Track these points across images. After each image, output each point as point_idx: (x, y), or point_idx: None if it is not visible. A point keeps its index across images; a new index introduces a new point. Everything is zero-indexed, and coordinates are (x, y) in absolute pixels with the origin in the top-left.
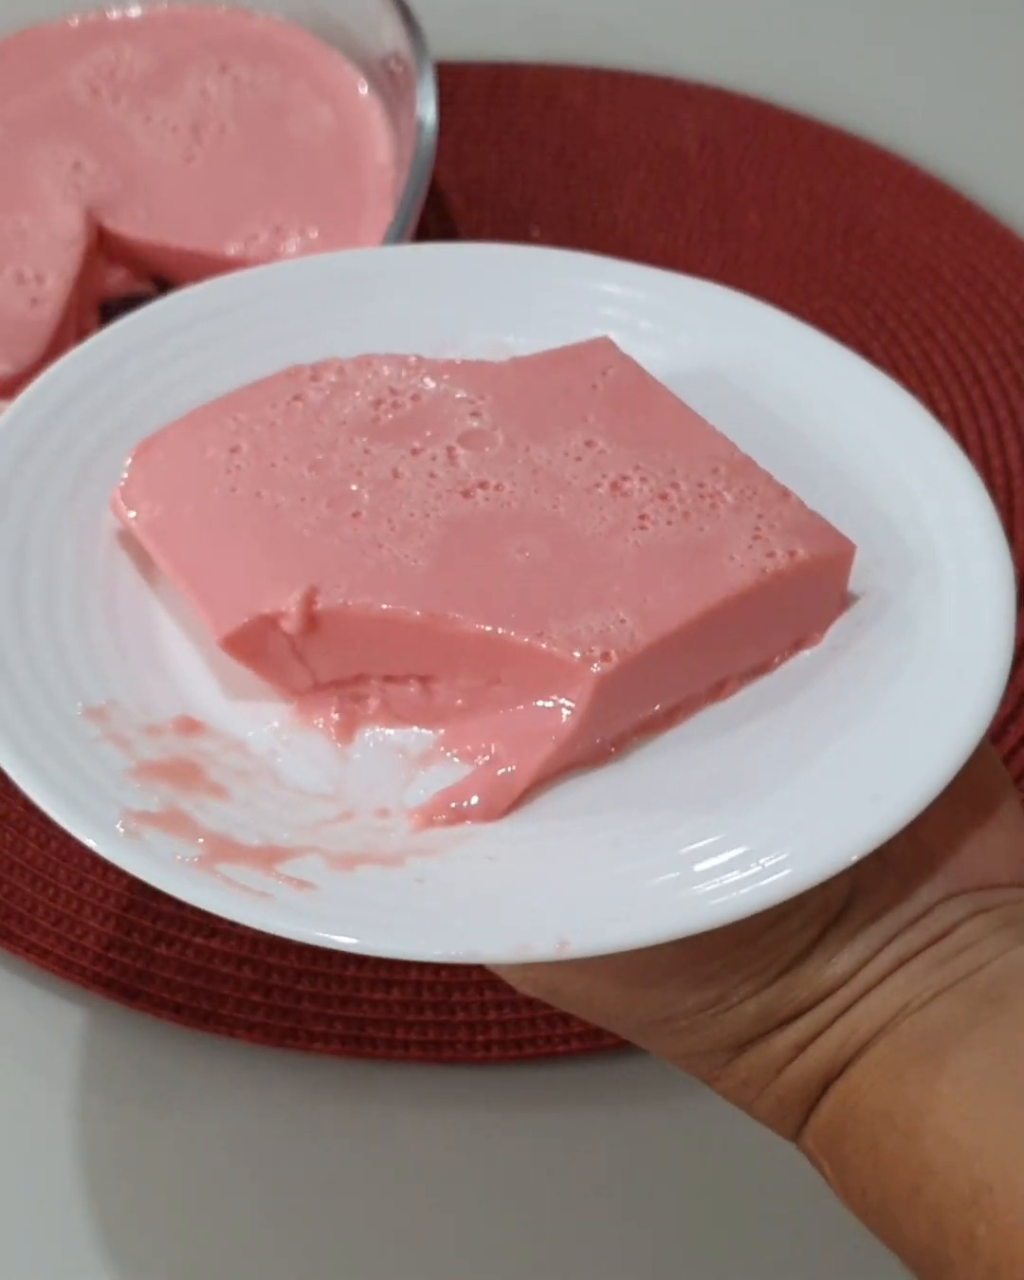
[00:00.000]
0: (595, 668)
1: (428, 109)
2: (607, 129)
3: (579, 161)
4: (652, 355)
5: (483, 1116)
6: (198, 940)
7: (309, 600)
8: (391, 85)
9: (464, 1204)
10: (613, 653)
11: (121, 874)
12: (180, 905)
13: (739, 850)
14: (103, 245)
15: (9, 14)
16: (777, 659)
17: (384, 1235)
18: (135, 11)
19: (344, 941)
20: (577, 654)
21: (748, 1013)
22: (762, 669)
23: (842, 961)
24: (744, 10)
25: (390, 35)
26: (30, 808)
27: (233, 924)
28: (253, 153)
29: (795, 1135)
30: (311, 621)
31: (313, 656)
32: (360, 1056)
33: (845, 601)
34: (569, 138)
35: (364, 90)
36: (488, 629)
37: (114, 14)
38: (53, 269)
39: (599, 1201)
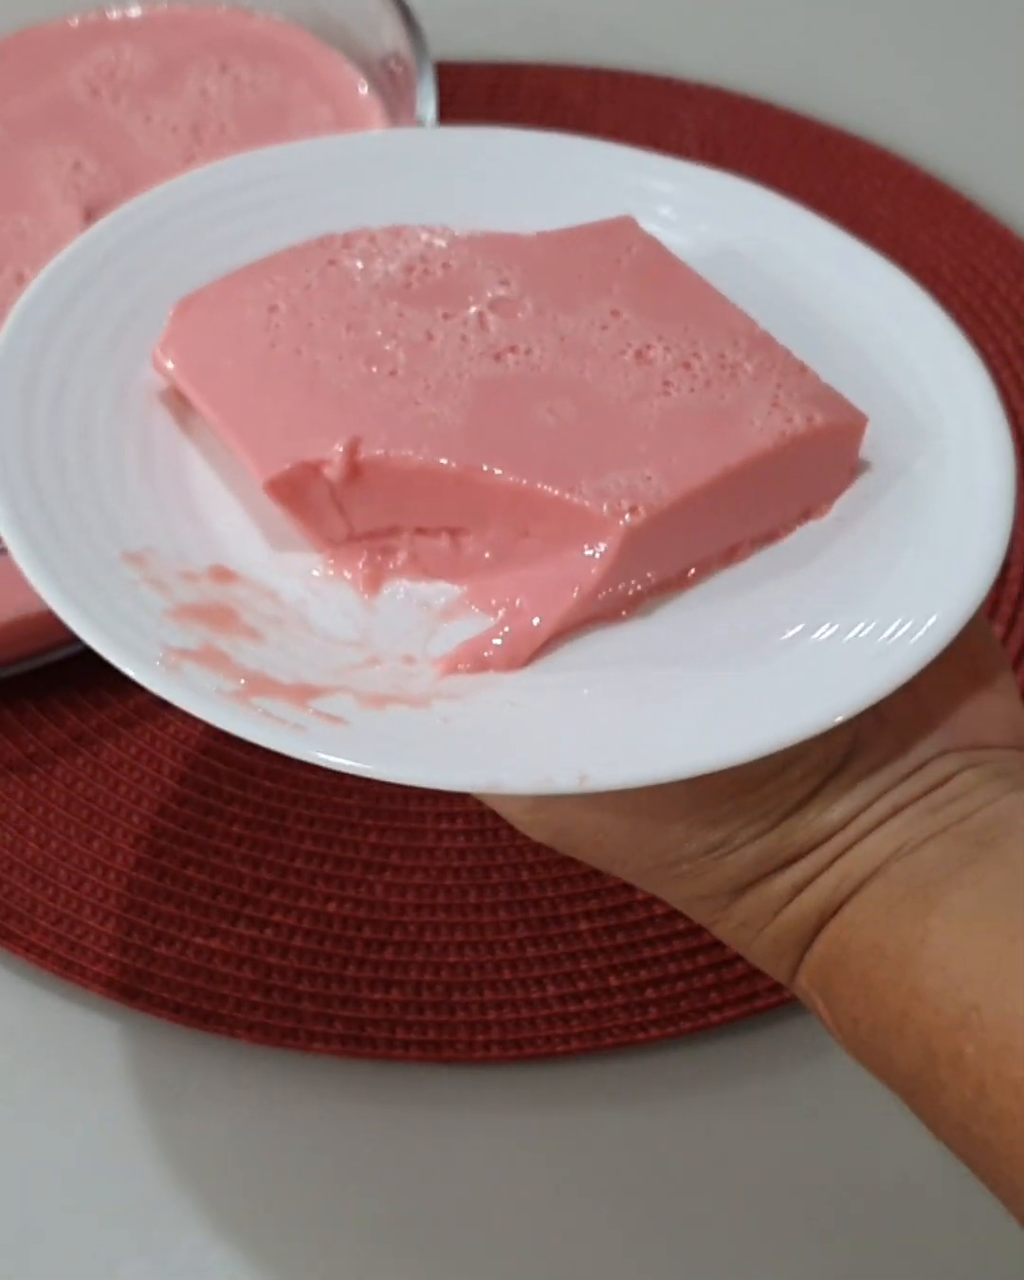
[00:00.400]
0: (624, 520)
1: (428, 109)
2: (607, 129)
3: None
4: (672, 240)
5: (483, 1116)
6: (198, 940)
7: (352, 449)
8: (392, 85)
9: (464, 1204)
10: (640, 507)
11: (122, 874)
12: (179, 904)
13: (749, 700)
14: None
15: (9, 14)
16: (785, 528)
17: (384, 1235)
18: (135, 11)
19: (374, 769)
20: (605, 507)
21: (749, 856)
22: (771, 537)
23: (839, 809)
24: (744, 10)
25: (390, 35)
26: (29, 807)
27: (232, 924)
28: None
29: (791, 976)
30: (354, 470)
31: (351, 505)
32: (360, 1056)
33: (854, 473)
34: None
35: (364, 90)
36: (520, 482)
37: (114, 14)
38: None
39: (599, 1201)
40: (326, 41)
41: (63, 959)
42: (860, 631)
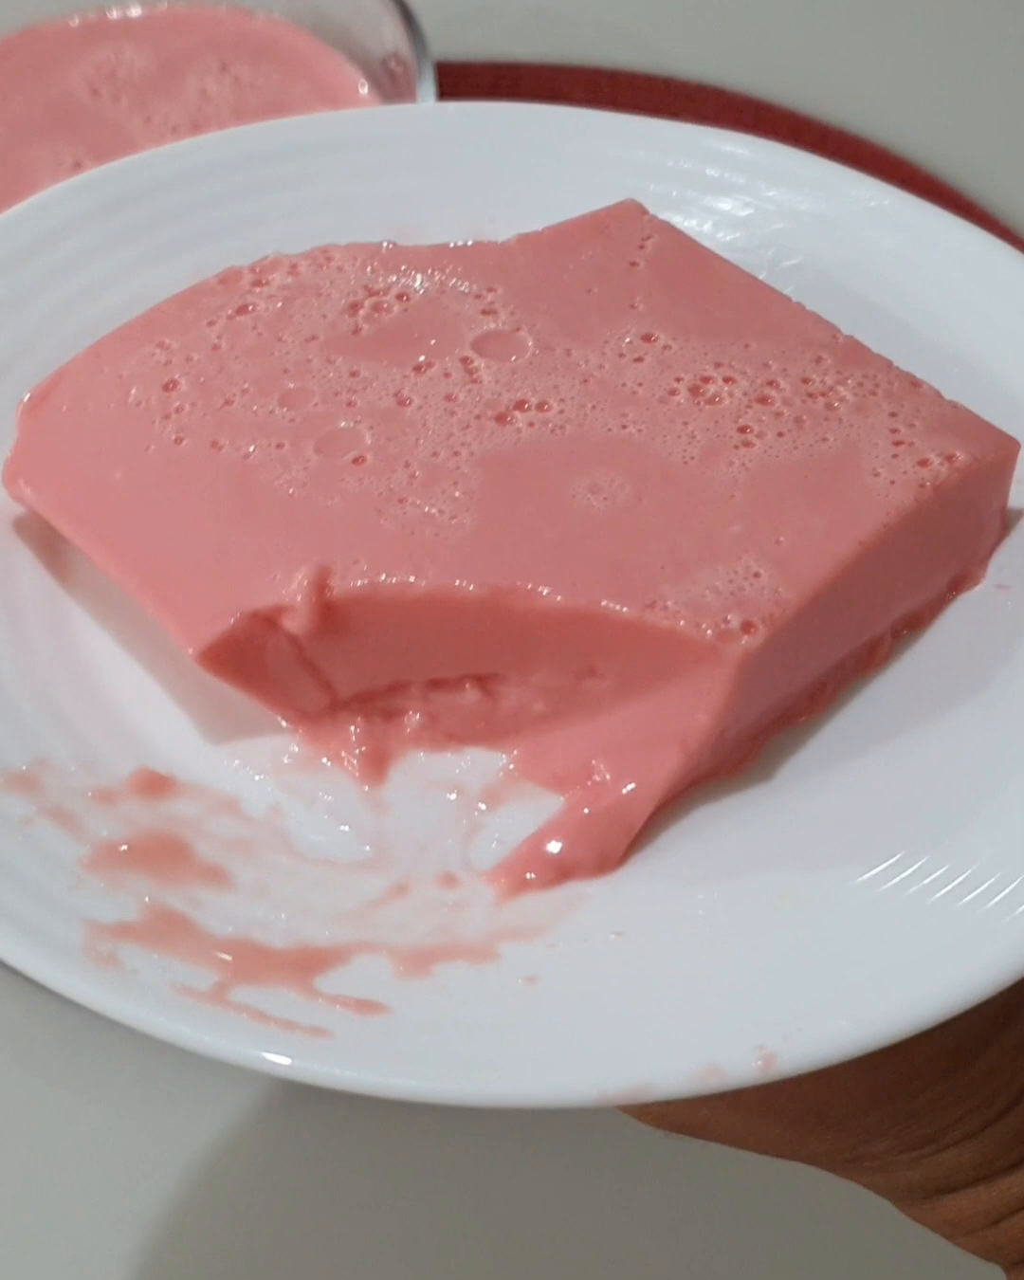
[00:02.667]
0: (739, 644)
1: None
2: None
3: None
4: (685, 227)
5: (482, 1117)
6: None
7: (319, 585)
8: (392, 85)
9: (464, 1205)
10: (756, 622)
11: None
12: None
13: (968, 884)
14: None
15: (9, 14)
16: (933, 608)
17: (384, 1237)
18: (135, 11)
19: (443, 1092)
20: (706, 628)
21: (966, 1157)
22: (916, 622)
23: None
24: (744, 10)
25: (391, 35)
26: None
27: None
28: None
29: (1010, 1268)
30: (326, 614)
31: (329, 663)
32: None
33: (1006, 521)
34: None
35: (364, 90)
36: (575, 603)
37: (114, 14)
38: None
39: (599, 1202)
40: (327, 41)
41: None
42: None
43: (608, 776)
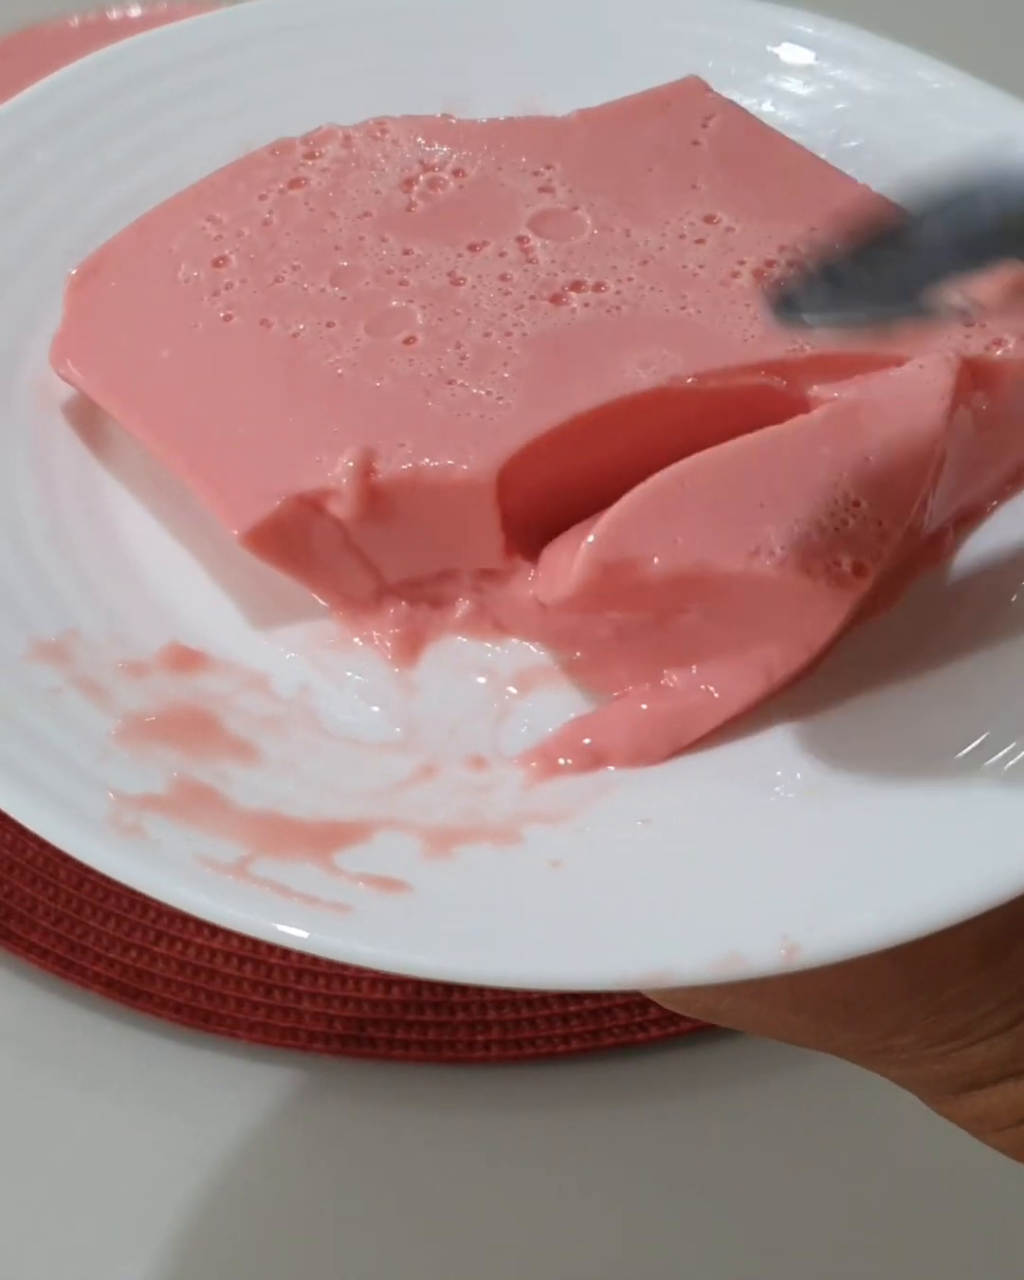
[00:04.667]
0: (855, 588)
1: None
2: None
3: None
4: (745, 105)
5: (483, 1117)
6: (198, 940)
7: (364, 468)
8: None
9: (464, 1204)
10: (866, 562)
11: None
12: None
13: (1004, 782)
14: None
15: (10, 13)
16: (993, 498)
17: (384, 1235)
18: (136, 11)
19: (466, 969)
20: (819, 578)
21: (996, 1052)
22: (977, 514)
23: None
24: None
25: None
26: None
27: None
28: None
29: None
30: (371, 499)
31: (375, 549)
32: (360, 1056)
33: None
34: None
35: None
36: (679, 563)
37: (115, 14)
38: None
39: (599, 1201)
40: None
41: (63, 959)
42: None
43: (675, 684)
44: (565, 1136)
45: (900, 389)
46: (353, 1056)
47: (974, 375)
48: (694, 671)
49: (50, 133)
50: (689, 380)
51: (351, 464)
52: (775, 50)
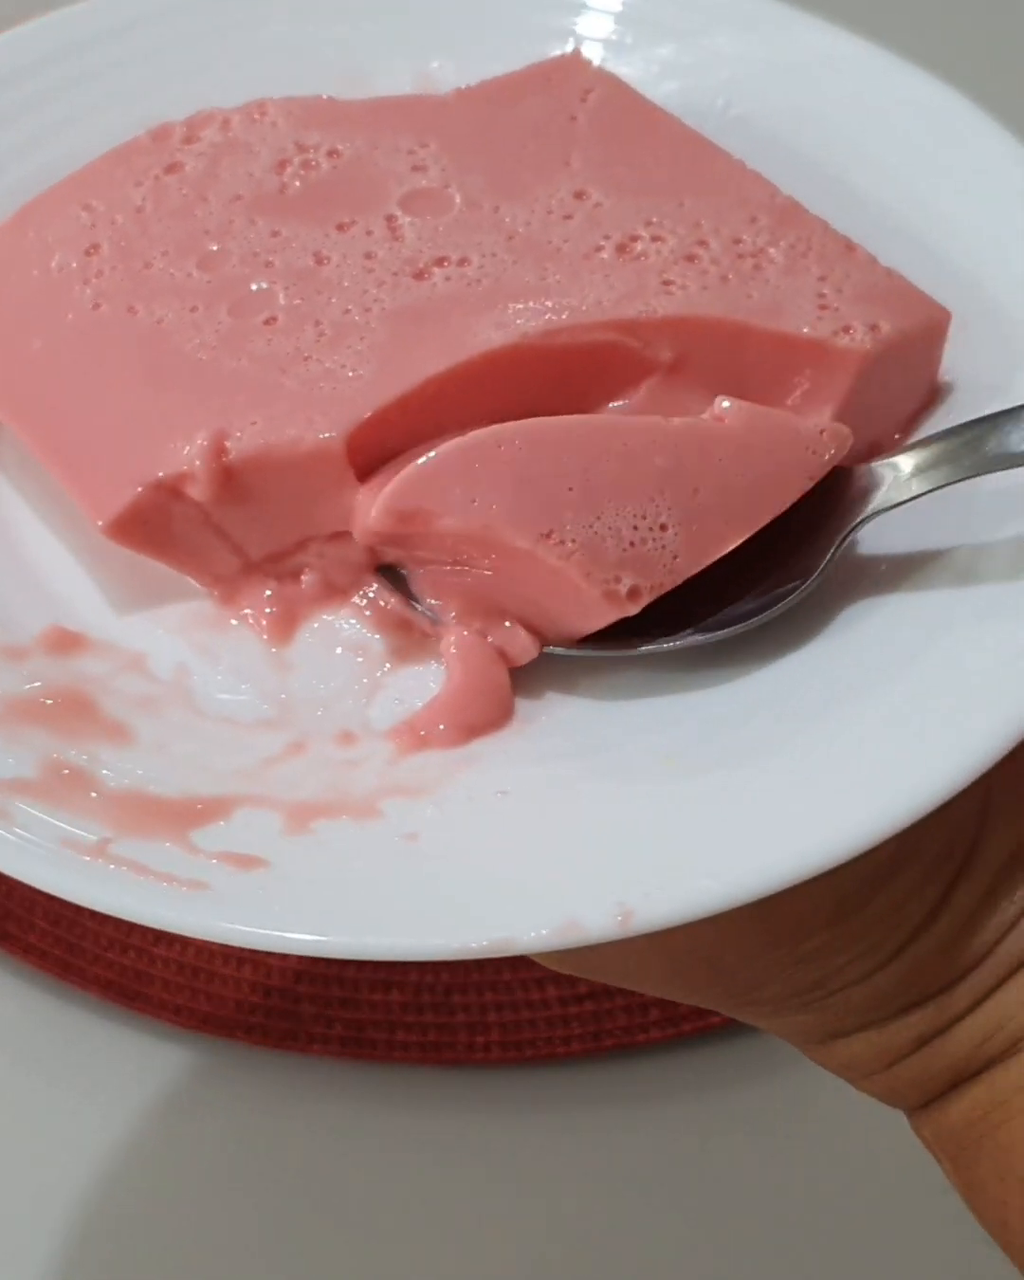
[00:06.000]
0: (623, 587)
1: None
2: None
3: None
4: (626, 75)
5: (482, 1117)
6: (197, 942)
7: (216, 449)
8: None
9: (463, 1204)
10: (642, 588)
11: None
12: None
13: (833, 771)
14: None
15: (9, 13)
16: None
17: (384, 1235)
18: None
19: (312, 942)
20: (598, 582)
21: (854, 1001)
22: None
23: (979, 930)
24: None
25: None
26: None
27: None
28: None
29: (909, 1113)
30: (225, 478)
31: (236, 527)
32: (360, 1057)
33: (936, 391)
34: None
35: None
36: (468, 525)
37: None
38: None
39: (598, 1202)
40: None
41: (62, 959)
42: (975, 640)
43: (517, 621)
44: (565, 1138)
45: (776, 444)
46: (352, 1058)
47: (815, 359)
48: (526, 596)
49: None
50: (539, 338)
51: (204, 445)
52: (662, 15)
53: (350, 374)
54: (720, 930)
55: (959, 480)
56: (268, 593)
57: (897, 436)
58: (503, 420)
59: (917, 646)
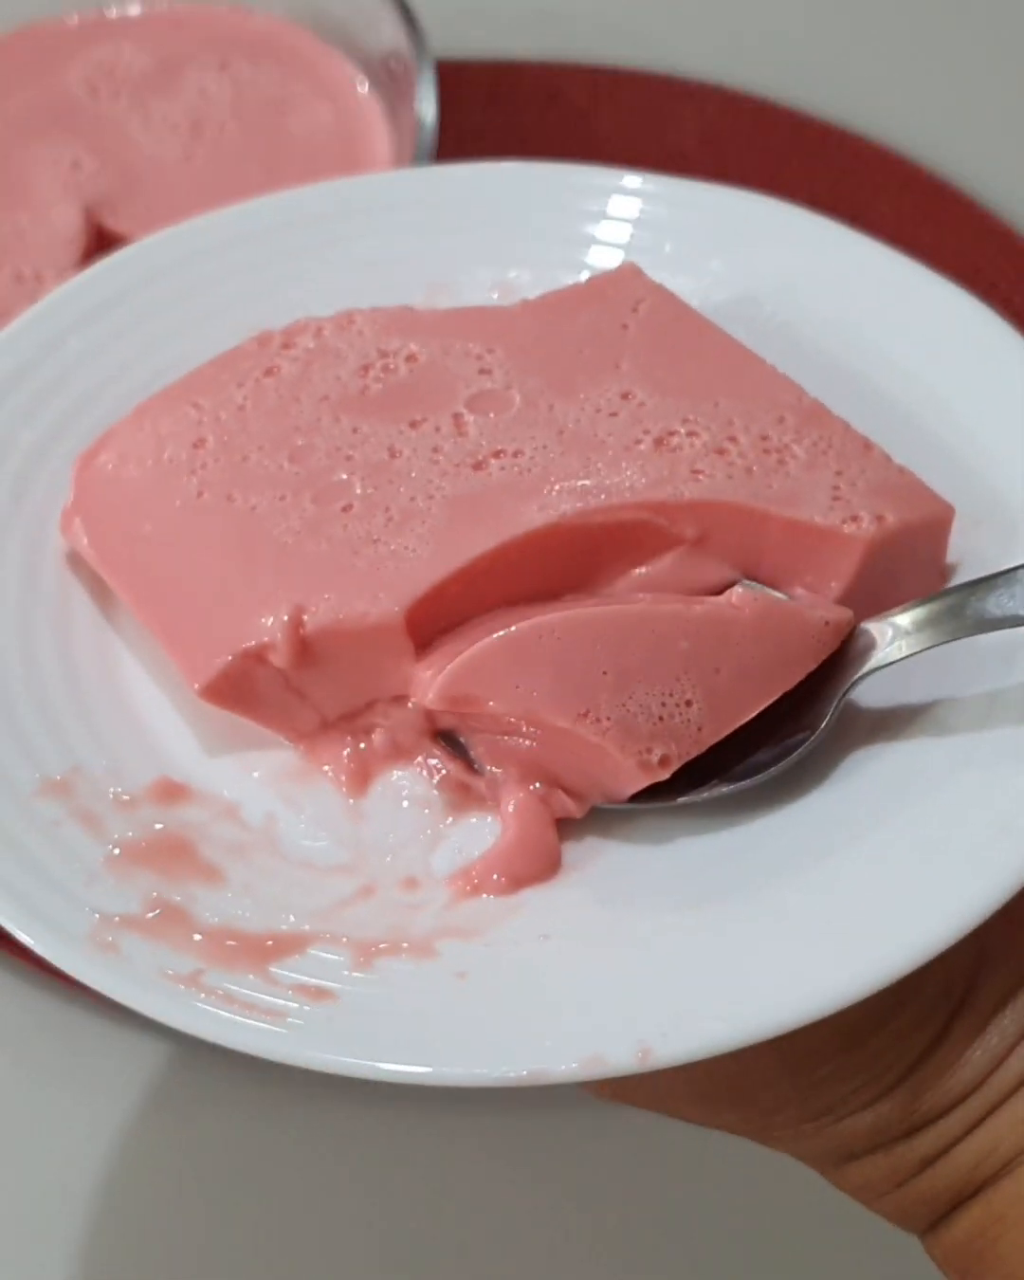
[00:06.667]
0: (656, 756)
1: (428, 107)
2: (607, 128)
3: (580, 161)
4: (680, 285)
5: (482, 1117)
6: None
7: (294, 623)
8: (392, 83)
9: (463, 1205)
10: (671, 755)
11: None
12: None
13: (839, 921)
14: (102, 244)
15: (8, 12)
16: None
17: (384, 1237)
18: (134, 9)
19: (372, 1069)
20: (634, 753)
21: (861, 1126)
22: None
23: (973, 1062)
24: (745, 9)
25: (390, 33)
26: None
27: None
28: (252, 151)
29: (921, 1234)
30: (302, 649)
31: (313, 689)
32: None
33: (944, 575)
34: (570, 136)
35: (364, 89)
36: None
37: (113, 12)
38: (51, 268)
39: (598, 1204)
40: (326, 39)
41: None
42: (971, 802)
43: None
44: (565, 1138)
45: (787, 632)
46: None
47: (825, 544)
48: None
49: (76, 328)
50: (577, 517)
51: (284, 619)
52: (715, 231)
53: (412, 553)
54: (739, 1061)
55: (947, 641)
56: (346, 750)
57: None
58: (546, 590)
59: (914, 800)
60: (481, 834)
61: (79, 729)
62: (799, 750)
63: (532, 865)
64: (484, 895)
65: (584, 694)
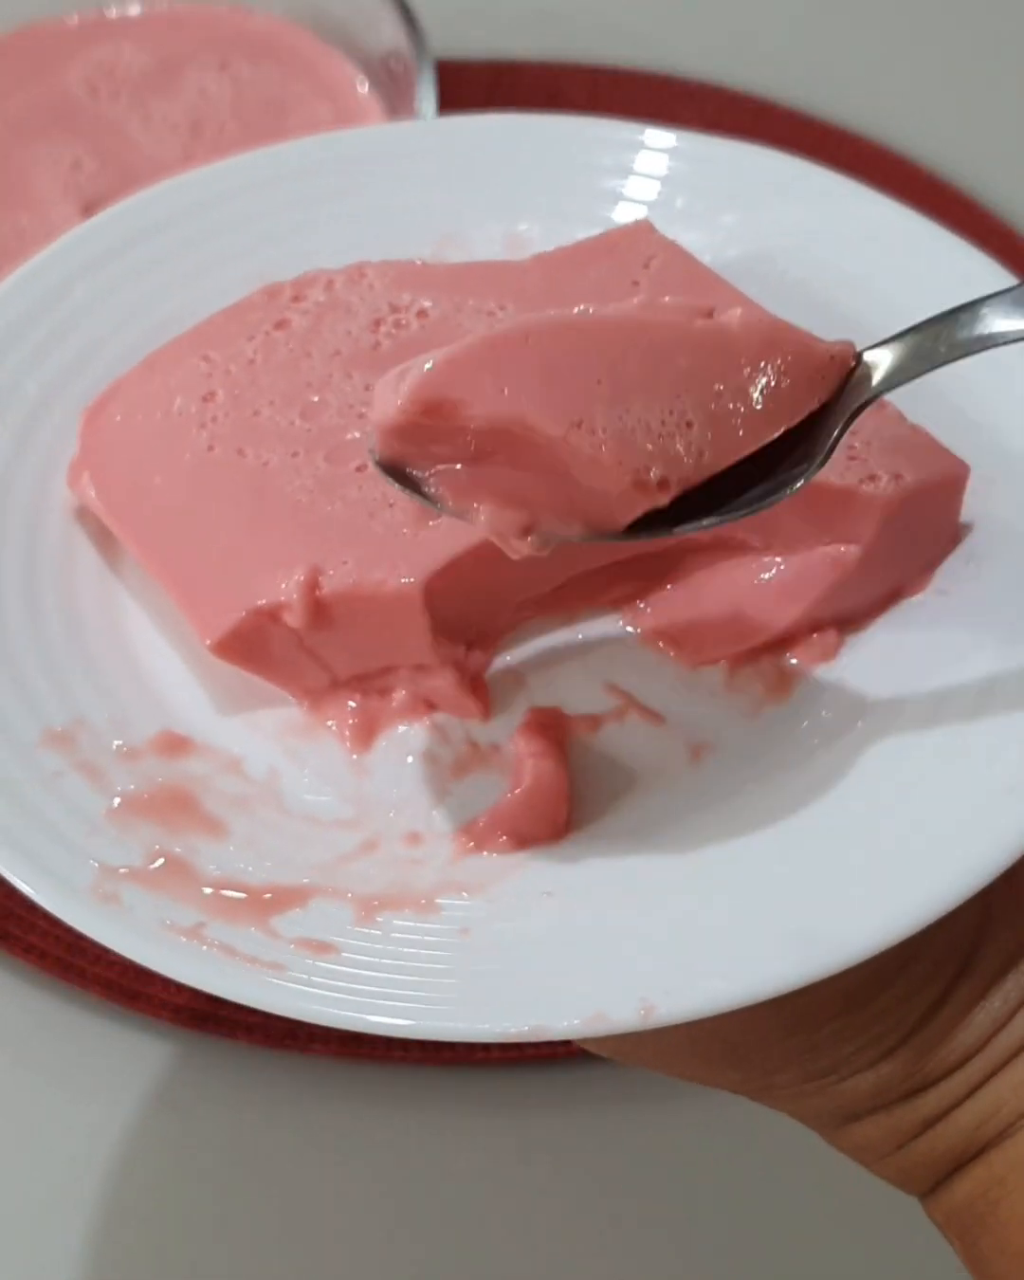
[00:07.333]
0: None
1: (428, 107)
2: None
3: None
4: (692, 240)
5: (482, 1117)
6: None
7: (310, 584)
8: (391, 83)
9: (463, 1204)
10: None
11: None
12: None
13: (846, 880)
14: None
15: (8, 12)
16: (873, 610)
17: (383, 1235)
18: (134, 9)
19: (372, 1022)
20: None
21: (864, 1085)
22: (855, 622)
23: (976, 1024)
24: (745, 8)
25: (390, 33)
26: None
27: None
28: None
29: (921, 1196)
30: (318, 611)
31: (326, 650)
32: (359, 1057)
33: (957, 535)
34: None
35: (364, 88)
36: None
37: (113, 12)
38: None
39: (598, 1202)
40: (326, 39)
41: (62, 960)
42: (980, 761)
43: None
44: (564, 1138)
45: (791, 359)
46: (352, 1057)
47: (843, 504)
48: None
49: (84, 273)
50: None
51: (300, 580)
52: (730, 187)
53: (430, 523)
54: (739, 1020)
55: (946, 363)
56: (352, 704)
57: (921, 579)
58: (561, 561)
59: (919, 763)
60: (488, 791)
61: (82, 681)
62: (800, 480)
63: (537, 825)
64: (487, 852)
65: (578, 402)
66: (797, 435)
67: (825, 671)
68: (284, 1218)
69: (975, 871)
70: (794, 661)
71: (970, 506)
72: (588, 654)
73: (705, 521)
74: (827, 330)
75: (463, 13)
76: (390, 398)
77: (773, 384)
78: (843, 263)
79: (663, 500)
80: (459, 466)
